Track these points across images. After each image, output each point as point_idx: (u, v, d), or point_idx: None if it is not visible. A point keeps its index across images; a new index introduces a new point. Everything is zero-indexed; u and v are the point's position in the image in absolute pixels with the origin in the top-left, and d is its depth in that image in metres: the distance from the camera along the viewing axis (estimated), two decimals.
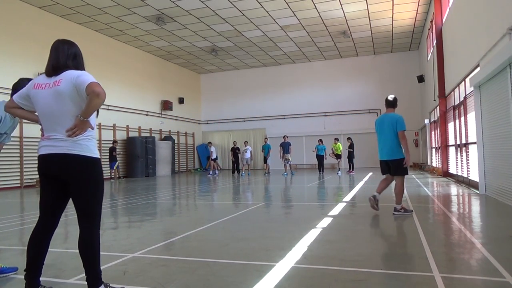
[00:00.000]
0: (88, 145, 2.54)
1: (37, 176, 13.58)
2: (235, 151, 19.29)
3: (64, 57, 2.59)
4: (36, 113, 2.72)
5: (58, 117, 2.51)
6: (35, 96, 2.59)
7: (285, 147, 17.25)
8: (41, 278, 2.63)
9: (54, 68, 2.58)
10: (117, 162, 16.80)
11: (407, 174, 5.86)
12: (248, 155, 18.54)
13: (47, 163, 2.55)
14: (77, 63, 2.63)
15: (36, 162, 2.61)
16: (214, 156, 19.87)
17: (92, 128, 2.59)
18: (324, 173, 17.45)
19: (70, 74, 2.52)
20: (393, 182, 5.96)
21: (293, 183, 12.73)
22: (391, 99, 6.08)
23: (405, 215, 5.63)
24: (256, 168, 23.83)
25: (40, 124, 2.68)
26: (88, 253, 2.50)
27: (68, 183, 2.54)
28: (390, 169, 5.84)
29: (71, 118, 2.50)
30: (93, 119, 2.58)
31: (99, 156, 2.62)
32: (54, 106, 2.51)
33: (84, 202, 2.54)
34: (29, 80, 3.21)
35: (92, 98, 2.40)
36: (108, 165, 16.55)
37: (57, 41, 2.67)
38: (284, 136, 17.73)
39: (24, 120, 12.98)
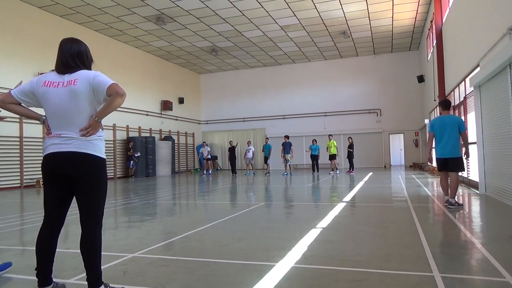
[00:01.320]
0: (100, 146, 2.59)
1: (37, 176, 13.63)
2: (232, 151, 19.46)
3: (68, 55, 2.59)
4: (32, 109, 2.71)
5: (72, 116, 2.52)
6: (46, 93, 2.56)
7: (286, 147, 17.32)
8: None
9: (64, 65, 2.58)
10: (132, 161, 17.99)
11: (464, 170, 6.61)
12: (250, 155, 18.66)
13: (56, 161, 2.54)
14: (82, 61, 2.63)
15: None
16: (208, 156, 20.13)
17: (102, 129, 2.63)
18: (319, 173, 17.39)
19: (86, 74, 2.54)
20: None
21: (293, 183, 12.73)
22: (447, 101, 6.69)
23: (458, 208, 6.14)
24: (256, 168, 23.82)
25: (42, 123, 2.67)
26: (90, 253, 2.51)
27: (74, 181, 2.54)
28: (447, 165, 6.36)
29: (85, 118, 2.53)
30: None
31: (105, 157, 2.67)
32: (69, 105, 2.51)
33: (89, 201, 2.55)
34: None
35: (115, 99, 2.45)
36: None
37: (62, 40, 2.67)
38: (285, 136, 17.78)
39: (24, 120, 12.88)
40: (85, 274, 2.52)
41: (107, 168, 13.90)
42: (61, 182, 2.57)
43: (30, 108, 2.72)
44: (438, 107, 6.72)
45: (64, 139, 2.51)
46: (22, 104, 2.67)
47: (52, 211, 2.64)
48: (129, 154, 18.07)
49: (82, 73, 2.55)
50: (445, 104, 6.58)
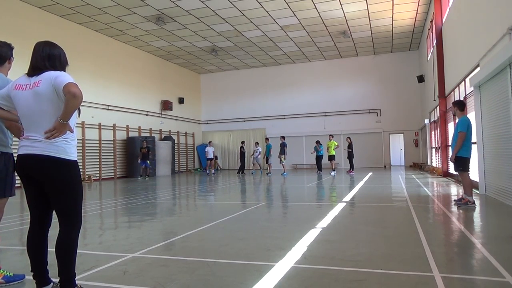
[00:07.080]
0: (65, 147, 2.52)
1: None
2: (242, 151, 19.86)
3: (39, 58, 2.58)
4: (11, 112, 2.74)
5: (37, 118, 2.51)
6: (16, 97, 2.58)
7: (282, 147, 17.78)
8: None
9: (33, 68, 2.58)
10: (147, 161, 17.37)
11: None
12: (257, 155, 19.06)
13: (24, 163, 2.55)
14: (53, 63, 2.60)
15: None
16: (210, 156, 20.23)
17: (72, 131, 2.57)
18: (322, 173, 17.39)
19: (49, 75, 2.51)
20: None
21: (292, 183, 12.73)
22: (463, 103, 6.89)
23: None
24: (256, 168, 23.80)
25: (21, 124, 2.68)
26: (63, 254, 2.49)
27: (42, 183, 2.53)
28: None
29: (50, 120, 2.49)
30: (73, 121, 2.56)
31: (75, 159, 2.60)
32: (33, 107, 2.50)
33: (59, 204, 2.54)
34: None
35: (69, 99, 2.39)
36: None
37: (37, 43, 2.67)
38: (281, 137, 18.29)
39: None
40: (85, 273, 2.52)
41: (108, 169, 13.83)
42: (33, 182, 2.57)
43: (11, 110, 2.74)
44: (453, 107, 6.87)
45: (31, 141, 2.51)
46: (3, 108, 2.72)
47: (34, 210, 2.65)
48: (143, 152, 17.11)
49: (46, 74, 2.52)
50: (463, 105, 6.76)
